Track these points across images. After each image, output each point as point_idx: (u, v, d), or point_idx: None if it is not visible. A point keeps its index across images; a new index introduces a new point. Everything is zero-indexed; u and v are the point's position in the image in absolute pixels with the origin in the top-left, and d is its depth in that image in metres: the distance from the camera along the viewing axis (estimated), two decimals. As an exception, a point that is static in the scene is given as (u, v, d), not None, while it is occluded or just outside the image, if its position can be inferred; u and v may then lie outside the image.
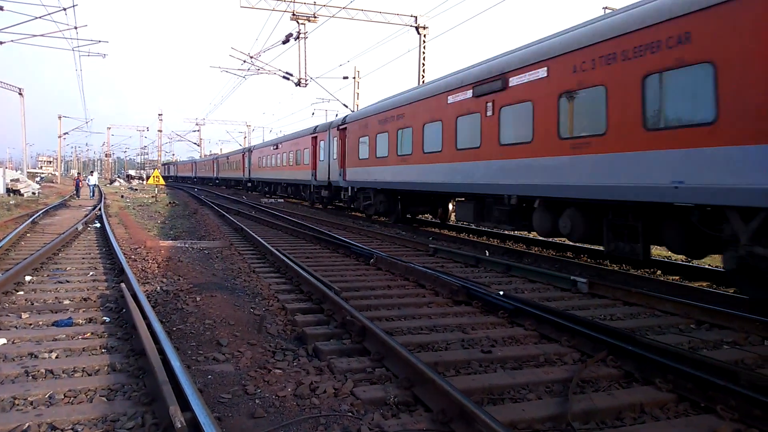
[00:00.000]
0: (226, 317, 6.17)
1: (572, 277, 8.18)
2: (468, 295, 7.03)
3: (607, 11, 10.80)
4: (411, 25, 27.95)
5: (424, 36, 27.86)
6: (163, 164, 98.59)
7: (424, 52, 27.81)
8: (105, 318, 6.10)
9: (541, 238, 13.35)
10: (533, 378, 4.51)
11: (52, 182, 63.69)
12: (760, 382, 4.08)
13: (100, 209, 21.27)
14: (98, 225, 16.36)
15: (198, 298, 6.98)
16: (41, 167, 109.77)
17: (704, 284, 8.89)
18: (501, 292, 6.95)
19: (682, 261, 11.06)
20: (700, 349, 5.38)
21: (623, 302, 7.35)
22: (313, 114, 47.66)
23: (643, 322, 6.46)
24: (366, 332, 5.25)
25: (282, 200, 33.89)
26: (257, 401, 4.01)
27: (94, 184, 39.98)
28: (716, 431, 3.61)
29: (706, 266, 10.37)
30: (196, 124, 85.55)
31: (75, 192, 37.99)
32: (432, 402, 3.84)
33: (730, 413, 3.76)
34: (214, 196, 38.28)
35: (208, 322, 5.99)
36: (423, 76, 27.53)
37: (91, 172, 44.97)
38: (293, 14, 26.54)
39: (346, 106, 32.75)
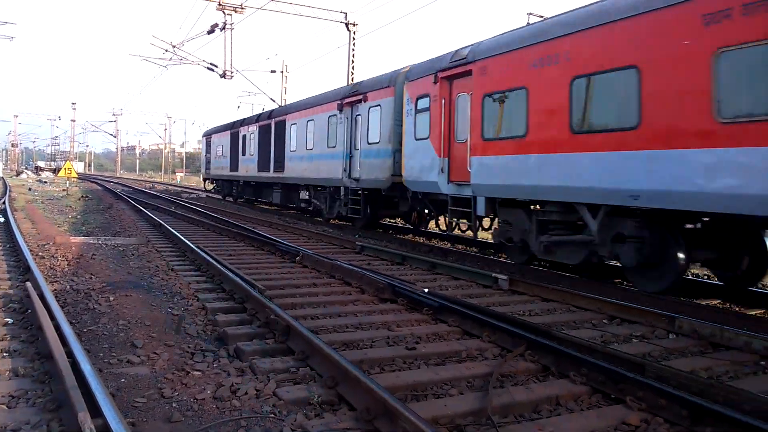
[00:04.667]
0: (142, 317, 5.89)
1: (494, 275, 8.41)
2: (394, 292, 7.07)
3: (531, 18, 11.18)
4: (341, 21, 27.86)
5: (354, 33, 27.85)
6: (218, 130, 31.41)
7: (353, 49, 27.79)
8: (7, 319, 5.67)
9: (466, 236, 13.65)
10: (456, 373, 4.59)
11: (-51, 172, 58.73)
12: (664, 374, 4.35)
13: (4, 202, 19.80)
14: (1, 219, 15.22)
15: (111, 298, 6.63)
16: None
17: (617, 281, 9.39)
18: (426, 290, 7.05)
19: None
20: (612, 343, 5.66)
21: (541, 298, 7.63)
22: (238, 107, 46.60)
23: (559, 317, 6.73)
24: (290, 331, 5.17)
25: (204, 195, 32.89)
26: (174, 405, 3.85)
27: None
28: (625, 421, 3.81)
29: (617, 264, 10.94)
30: (113, 115, 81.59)
31: None
32: (356, 400, 3.83)
33: (638, 403, 3.97)
34: (131, 190, 36.60)
35: (122, 322, 5.70)
36: (352, 74, 27.51)
37: None
38: (219, 4, 25.79)
39: (274, 101, 32.24)
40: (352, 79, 26.93)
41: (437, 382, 4.40)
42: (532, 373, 4.73)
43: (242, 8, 26.06)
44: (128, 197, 26.01)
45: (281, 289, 7.59)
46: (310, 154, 18.07)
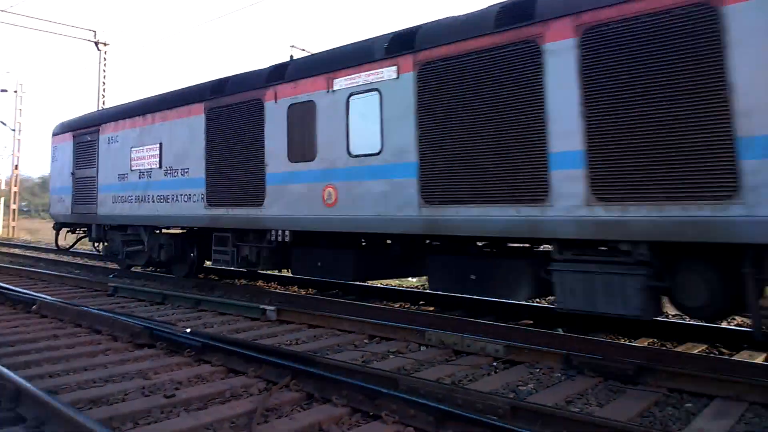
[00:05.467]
0: None
1: (261, 306, 8.35)
2: (151, 336, 6.55)
3: (294, 51, 11.50)
4: (89, 40, 25.50)
5: (105, 53, 25.69)
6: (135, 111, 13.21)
7: (104, 70, 25.59)
8: None
9: (234, 268, 13.32)
10: (219, 415, 4.40)
11: None
12: (415, 385, 4.76)
13: None
14: None
15: None
16: None
17: (375, 302, 10.02)
18: (188, 330, 6.69)
19: (360, 283, 12.26)
20: (371, 362, 6.01)
21: (308, 325, 7.79)
22: (-44, 132, 39.19)
23: (324, 342, 6.94)
24: (21, 395, 4.44)
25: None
26: None
27: None
28: (381, 436, 4.05)
29: (378, 285, 11.72)
30: None
31: None
32: (102, 465, 3.43)
33: (392, 417, 4.25)
34: None
35: None
36: (103, 96, 25.28)
37: None
38: (-75, 9, 21.61)
39: (5, 124, 27.95)
40: (104, 103, 24.75)
41: (198, 428, 4.18)
42: (297, 402, 4.77)
43: (-41, 17, 22.21)
44: None
45: (11, 345, 6.49)
46: None
